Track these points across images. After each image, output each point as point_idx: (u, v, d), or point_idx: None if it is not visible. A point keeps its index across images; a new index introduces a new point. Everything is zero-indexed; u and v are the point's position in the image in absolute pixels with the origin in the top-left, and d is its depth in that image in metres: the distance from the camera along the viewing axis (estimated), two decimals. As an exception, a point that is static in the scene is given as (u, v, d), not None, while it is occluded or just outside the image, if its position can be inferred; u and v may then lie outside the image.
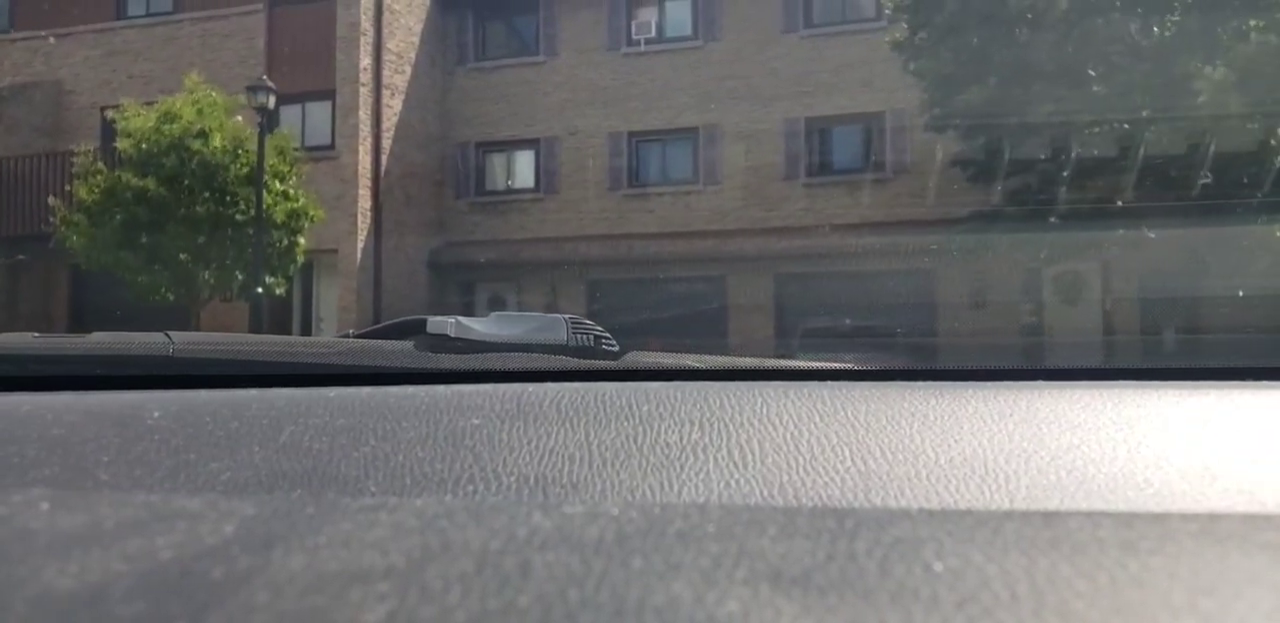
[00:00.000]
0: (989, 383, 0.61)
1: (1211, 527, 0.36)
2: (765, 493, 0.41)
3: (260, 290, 8.86)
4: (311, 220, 9.38)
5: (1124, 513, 0.39)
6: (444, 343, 0.81)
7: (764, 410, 0.52)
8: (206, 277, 9.07)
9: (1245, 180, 8.50)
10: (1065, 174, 9.15)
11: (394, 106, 12.00)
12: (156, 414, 0.52)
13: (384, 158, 11.78)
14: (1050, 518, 0.37)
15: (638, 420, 0.51)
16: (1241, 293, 8.41)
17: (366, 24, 11.63)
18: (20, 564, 0.33)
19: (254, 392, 0.58)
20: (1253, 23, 8.53)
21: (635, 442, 0.47)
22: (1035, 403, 0.54)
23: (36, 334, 0.90)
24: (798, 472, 0.44)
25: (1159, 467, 0.44)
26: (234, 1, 11.96)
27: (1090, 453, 0.46)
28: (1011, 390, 0.57)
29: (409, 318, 0.89)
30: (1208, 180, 8.36)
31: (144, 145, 8.83)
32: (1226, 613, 0.29)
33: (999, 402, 0.54)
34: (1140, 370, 0.66)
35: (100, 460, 0.46)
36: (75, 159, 9.52)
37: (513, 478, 0.43)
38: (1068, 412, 0.52)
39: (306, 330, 11.55)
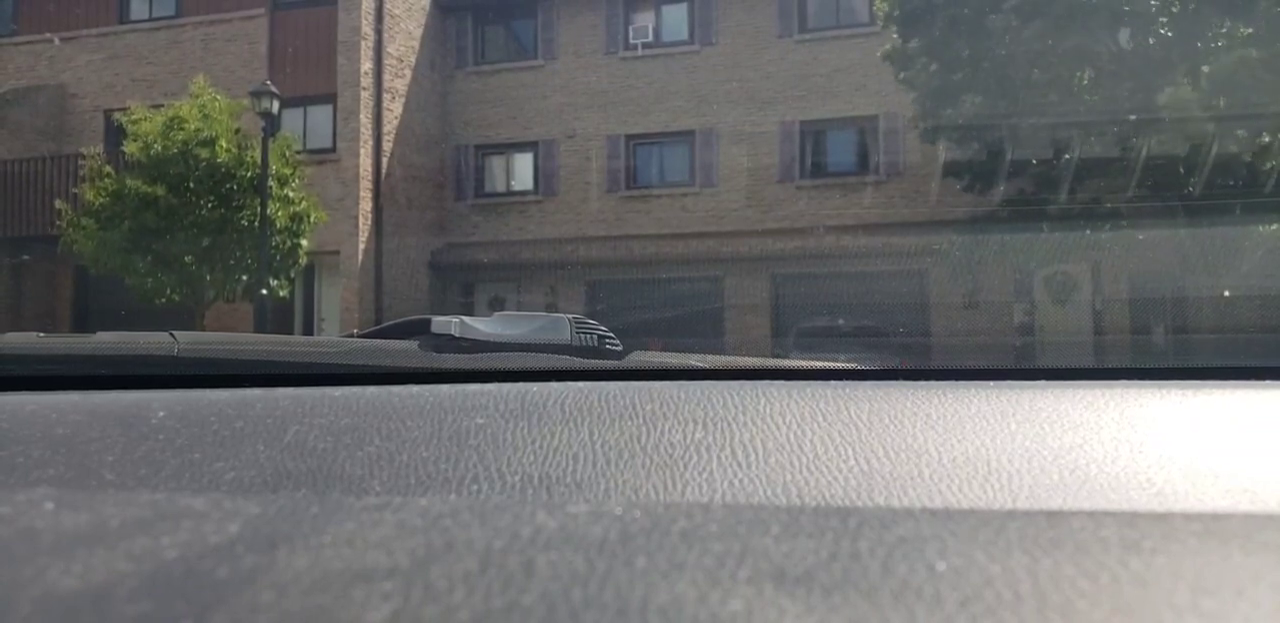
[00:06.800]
0: (991, 383, 0.61)
1: (1214, 527, 0.36)
2: (768, 492, 0.41)
3: (265, 292, 8.87)
4: (314, 224, 9.40)
5: (1127, 513, 0.39)
6: (448, 343, 0.81)
7: (767, 410, 0.52)
8: (211, 279, 9.08)
9: (1230, 183, 8.56)
10: (1055, 177, 9.21)
11: (394, 110, 12.02)
12: (161, 414, 0.52)
13: (385, 160, 11.79)
14: (1053, 518, 0.37)
15: (641, 420, 0.51)
16: (1228, 293, 8.46)
17: (367, 28, 11.65)
18: (25, 564, 0.33)
19: (258, 391, 0.58)
20: (1240, 30, 8.60)
21: (639, 441, 0.47)
22: (1037, 402, 0.54)
23: (41, 334, 0.90)
24: (801, 471, 0.43)
25: (1161, 466, 0.44)
26: (236, 6, 11.99)
27: (1093, 452, 0.46)
28: (1014, 390, 0.57)
29: (413, 318, 0.90)
30: (1194, 183, 8.41)
31: (151, 151, 8.85)
32: (1229, 613, 0.29)
33: (1001, 401, 0.54)
34: (1141, 370, 0.66)
35: (105, 460, 0.46)
36: (83, 161, 9.53)
37: (517, 477, 0.43)
38: (1070, 411, 0.52)
39: (309, 331, 11.55)
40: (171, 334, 0.80)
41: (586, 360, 0.79)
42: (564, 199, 12.33)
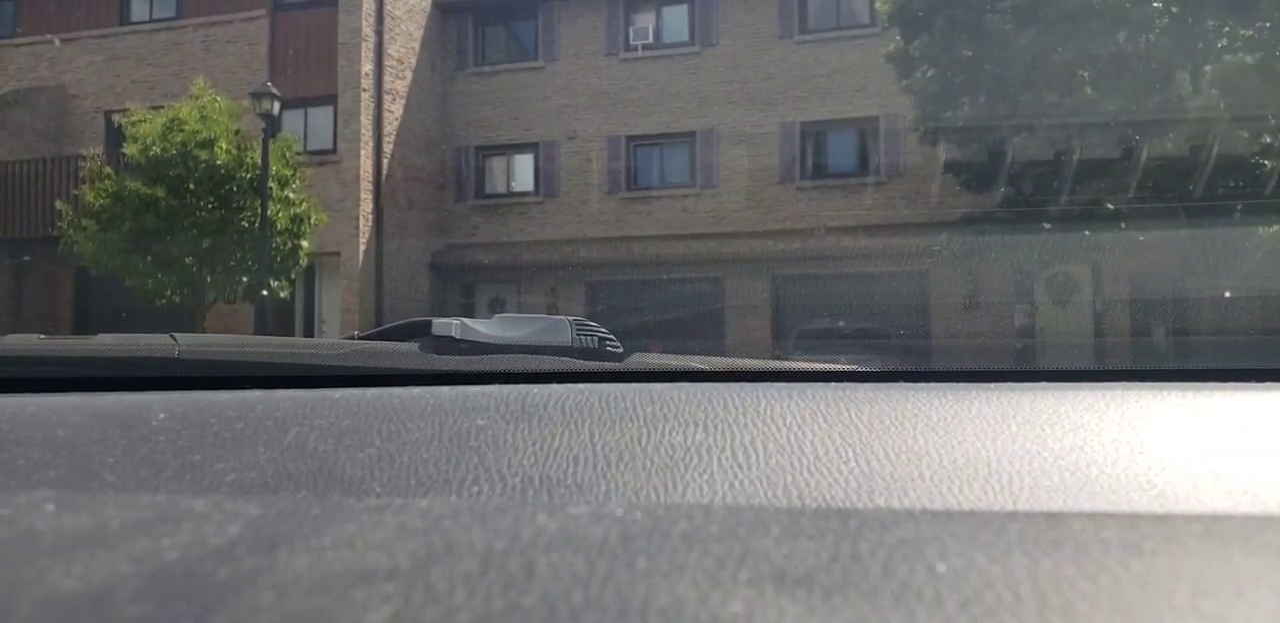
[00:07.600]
0: (992, 384, 0.61)
1: (1215, 528, 0.36)
2: (769, 494, 0.41)
3: (266, 294, 8.88)
4: (314, 225, 9.41)
5: (1127, 514, 0.39)
6: (449, 344, 0.81)
7: (768, 411, 0.52)
8: (212, 280, 9.09)
9: (1230, 184, 8.57)
10: (1056, 178, 9.22)
11: (395, 111, 12.03)
12: (162, 415, 0.52)
13: (385, 162, 11.81)
14: (1053, 519, 0.37)
15: (642, 421, 0.51)
16: (1228, 295, 8.47)
17: (368, 30, 11.67)
18: (26, 565, 0.33)
19: (259, 393, 0.58)
20: (1240, 32, 8.62)
21: (639, 443, 0.47)
22: (1038, 404, 0.54)
23: (42, 335, 0.91)
24: (801, 473, 0.44)
25: (1162, 468, 0.44)
26: (237, 7, 12.00)
27: (1093, 454, 0.46)
28: (1014, 391, 0.57)
29: (414, 319, 0.90)
30: (1194, 185, 8.43)
31: (151, 153, 8.86)
32: (1230, 614, 0.29)
33: (1002, 403, 0.54)
34: (1142, 371, 0.66)
35: (106, 462, 0.46)
36: (84, 162, 9.54)
37: (517, 479, 0.43)
38: (1070, 413, 0.52)
39: (309, 333, 11.56)
40: (172, 336, 0.80)
41: (587, 362, 0.79)
42: (564, 200, 12.34)
